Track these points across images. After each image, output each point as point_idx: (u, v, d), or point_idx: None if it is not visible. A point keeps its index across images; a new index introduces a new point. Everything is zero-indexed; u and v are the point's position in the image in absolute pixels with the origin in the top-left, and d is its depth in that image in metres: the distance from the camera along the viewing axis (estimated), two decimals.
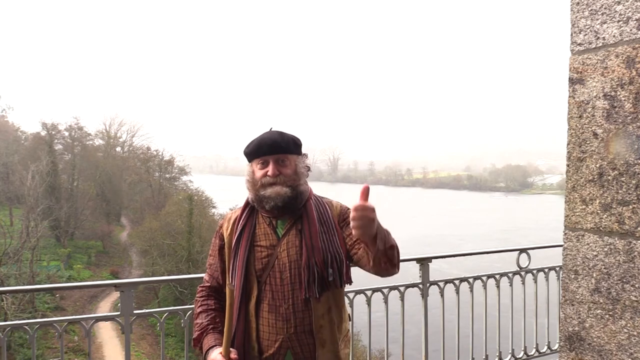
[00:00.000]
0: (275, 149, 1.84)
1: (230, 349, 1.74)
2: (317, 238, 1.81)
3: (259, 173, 1.86)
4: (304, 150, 1.96)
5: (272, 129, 1.93)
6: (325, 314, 1.80)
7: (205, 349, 1.79)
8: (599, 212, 1.20)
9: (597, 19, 1.20)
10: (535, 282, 4.02)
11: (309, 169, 1.94)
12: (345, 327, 1.92)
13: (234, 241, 1.88)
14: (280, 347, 1.76)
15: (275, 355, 1.77)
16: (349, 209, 1.94)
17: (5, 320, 10.60)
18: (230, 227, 1.93)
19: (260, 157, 1.86)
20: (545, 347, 4.12)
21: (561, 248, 1.31)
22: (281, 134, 1.88)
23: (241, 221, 1.90)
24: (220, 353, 1.73)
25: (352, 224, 1.49)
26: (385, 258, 1.67)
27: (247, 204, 1.94)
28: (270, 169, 1.83)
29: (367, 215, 1.47)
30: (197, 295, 1.98)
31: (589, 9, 1.22)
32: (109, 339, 21.88)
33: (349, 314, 2.01)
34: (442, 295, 3.63)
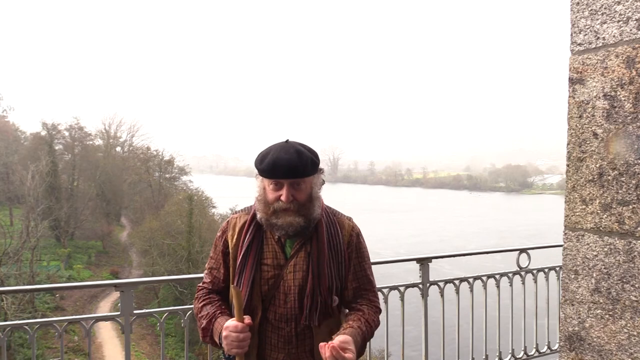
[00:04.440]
0: (291, 173, 1.71)
1: (244, 315, 1.71)
2: (325, 265, 1.78)
3: (270, 195, 1.76)
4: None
5: (289, 141, 1.80)
6: (326, 337, 1.77)
7: (219, 331, 1.74)
8: (599, 212, 1.20)
9: (597, 19, 1.20)
10: (535, 282, 4.02)
11: (323, 182, 1.87)
12: None
13: (239, 258, 1.82)
14: None
15: None
16: (359, 234, 1.92)
17: (5, 320, 10.59)
18: (235, 237, 1.85)
19: (274, 179, 1.75)
20: (545, 347, 4.12)
21: (561, 248, 1.31)
22: (299, 154, 1.73)
23: (248, 235, 1.82)
24: (234, 319, 1.71)
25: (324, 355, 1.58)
26: None
27: (254, 215, 1.84)
28: (284, 195, 1.72)
29: None
30: (198, 293, 1.93)
31: (589, 9, 1.22)
32: (109, 339, 21.89)
33: None
34: (442, 295, 3.63)
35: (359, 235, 1.91)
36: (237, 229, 1.86)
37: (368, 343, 3.51)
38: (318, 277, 1.77)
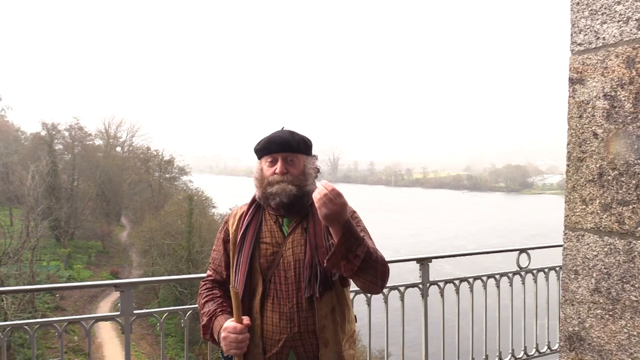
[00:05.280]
0: (285, 147, 1.84)
1: (243, 317, 1.73)
2: (322, 237, 1.80)
3: (267, 171, 1.87)
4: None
5: (284, 128, 1.93)
6: (329, 314, 1.79)
7: (218, 330, 1.77)
8: (599, 212, 1.20)
9: (597, 19, 1.20)
10: (535, 282, 4.02)
11: (318, 170, 1.94)
12: (351, 328, 1.91)
13: (239, 237, 1.88)
14: (283, 346, 1.76)
15: (279, 354, 1.76)
16: (354, 211, 1.95)
17: (5, 320, 10.60)
18: (235, 222, 1.93)
19: (269, 155, 1.87)
20: (545, 347, 4.12)
21: (561, 248, 1.31)
22: (292, 133, 1.89)
23: (247, 217, 1.90)
24: (233, 320, 1.73)
25: (315, 197, 1.61)
26: (347, 263, 1.65)
27: (253, 200, 1.94)
28: (278, 167, 1.84)
29: (333, 199, 1.59)
30: (202, 289, 1.96)
31: (589, 9, 1.22)
32: (109, 339, 21.89)
33: (355, 315, 2.00)
34: (442, 295, 3.63)
35: (354, 212, 1.95)
36: (237, 217, 1.94)
37: (368, 343, 3.54)
38: (316, 248, 1.79)
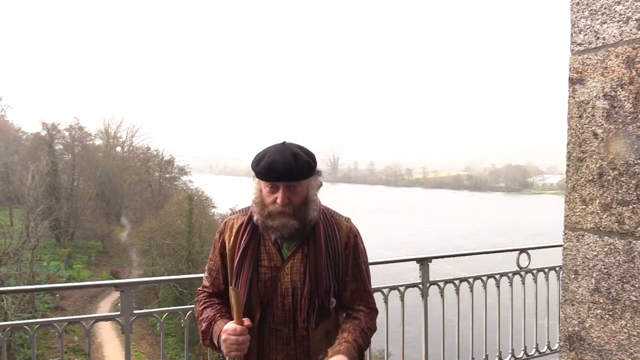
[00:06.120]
0: (287, 176, 1.70)
1: (243, 318, 1.71)
2: (322, 267, 1.77)
3: (267, 197, 1.76)
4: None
5: (285, 143, 1.77)
6: (323, 337, 1.80)
7: (218, 334, 1.75)
8: (599, 212, 1.20)
9: (597, 19, 1.20)
10: (535, 282, 4.03)
11: (321, 184, 1.85)
12: None
13: (236, 259, 1.82)
14: None
15: None
16: (356, 235, 1.90)
17: (5, 320, 10.59)
18: (233, 238, 1.85)
19: (270, 182, 1.74)
20: (545, 347, 4.12)
21: (561, 248, 1.31)
22: (295, 157, 1.71)
23: (245, 237, 1.82)
24: (233, 322, 1.71)
25: None
26: None
27: (251, 217, 1.84)
28: (279, 197, 1.72)
29: None
30: (199, 296, 1.94)
31: (589, 9, 1.22)
32: (109, 339, 21.91)
33: None
34: (442, 295, 3.63)
35: (356, 236, 1.90)
36: (234, 230, 1.86)
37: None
38: (315, 279, 1.76)
